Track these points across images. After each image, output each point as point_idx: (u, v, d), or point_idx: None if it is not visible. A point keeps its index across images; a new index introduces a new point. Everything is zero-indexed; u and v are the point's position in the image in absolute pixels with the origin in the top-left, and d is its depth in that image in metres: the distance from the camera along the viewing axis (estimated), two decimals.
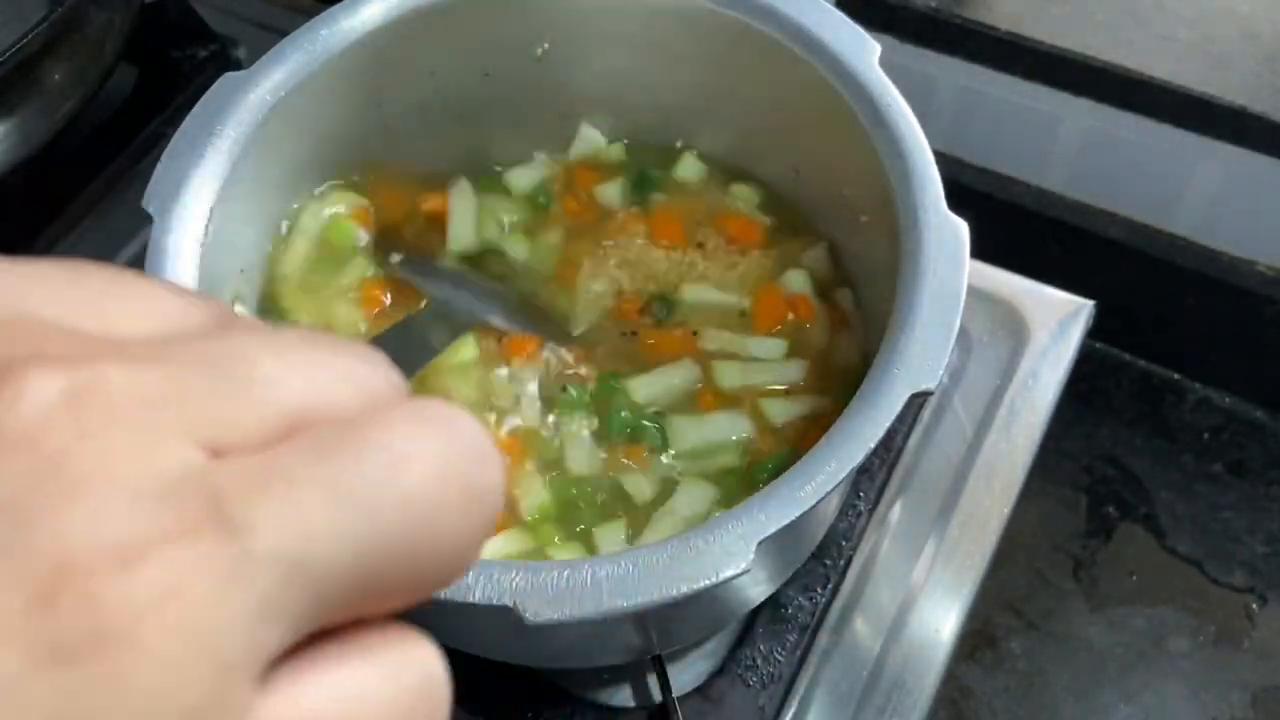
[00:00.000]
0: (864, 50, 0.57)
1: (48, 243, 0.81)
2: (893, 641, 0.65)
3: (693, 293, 0.66)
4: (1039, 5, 0.84)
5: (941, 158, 0.54)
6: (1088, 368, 0.84)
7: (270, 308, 0.63)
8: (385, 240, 0.66)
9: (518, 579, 0.44)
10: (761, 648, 0.63)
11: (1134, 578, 0.82)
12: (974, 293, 0.62)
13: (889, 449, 0.69)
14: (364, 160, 0.67)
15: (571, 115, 0.71)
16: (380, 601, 0.18)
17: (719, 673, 0.63)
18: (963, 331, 0.73)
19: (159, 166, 0.55)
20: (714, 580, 0.44)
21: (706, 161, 0.70)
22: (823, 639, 0.64)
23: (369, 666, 0.18)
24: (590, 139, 0.71)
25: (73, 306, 0.18)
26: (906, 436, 0.71)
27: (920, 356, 0.48)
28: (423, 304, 0.63)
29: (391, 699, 0.18)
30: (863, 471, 0.67)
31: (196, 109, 0.57)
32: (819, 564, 0.65)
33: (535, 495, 0.58)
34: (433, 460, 0.18)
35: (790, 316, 0.64)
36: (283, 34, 0.60)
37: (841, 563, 0.65)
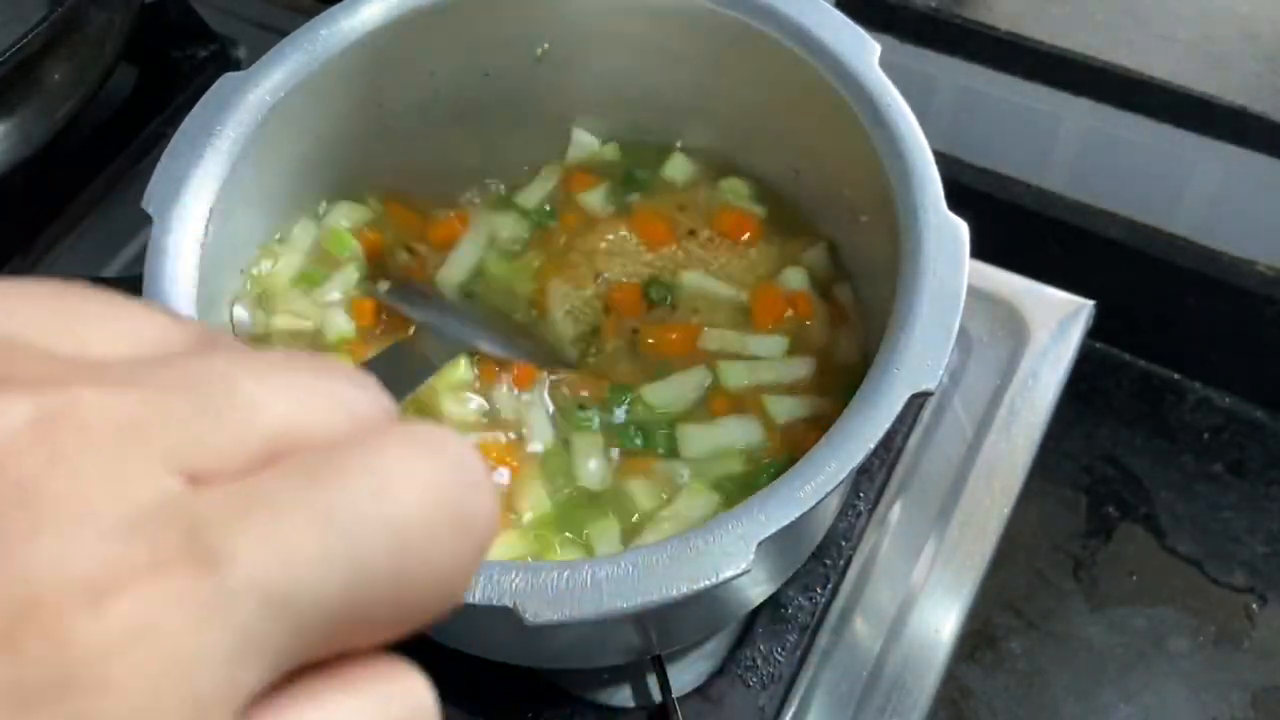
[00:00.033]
0: (864, 50, 0.57)
1: (47, 243, 0.81)
2: (893, 641, 0.65)
3: (692, 279, 0.65)
4: (1039, 5, 0.84)
5: (941, 158, 0.54)
6: (1088, 368, 0.84)
7: (269, 309, 0.63)
8: (374, 269, 0.65)
9: (518, 580, 0.44)
10: (761, 648, 0.63)
11: (1134, 578, 0.82)
12: (974, 293, 0.62)
13: (889, 449, 0.69)
14: (368, 177, 0.67)
15: (571, 115, 0.70)
16: (368, 634, 0.17)
17: (719, 673, 0.63)
18: (963, 331, 0.73)
19: (158, 167, 0.55)
20: (714, 581, 0.44)
21: (706, 160, 0.70)
22: (823, 639, 0.64)
23: (355, 701, 0.17)
24: (585, 144, 0.71)
25: (46, 327, 0.17)
26: (906, 436, 0.71)
27: (920, 357, 0.48)
28: (410, 330, 0.62)
29: None
30: (862, 471, 0.67)
31: (196, 109, 0.57)
32: (819, 564, 0.65)
33: (539, 506, 0.58)
34: (423, 486, 0.17)
35: (789, 313, 0.64)
36: (283, 34, 0.60)
37: (841, 563, 0.65)
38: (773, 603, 0.63)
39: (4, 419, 0.15)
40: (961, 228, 0.52)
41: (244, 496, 0.16)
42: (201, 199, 0.55)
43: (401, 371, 0.53)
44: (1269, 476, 0.86)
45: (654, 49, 0.65)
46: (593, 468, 0.59)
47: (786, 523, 0.45)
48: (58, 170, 0.82)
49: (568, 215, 0.69)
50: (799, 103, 0.61)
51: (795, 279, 0.65)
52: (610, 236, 0.67)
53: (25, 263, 0.81)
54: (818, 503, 0.45)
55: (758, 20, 0.60)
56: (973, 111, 0.88)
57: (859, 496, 0.67)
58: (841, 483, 0.46)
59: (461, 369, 0.60)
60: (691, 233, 0.67)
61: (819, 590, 0.64)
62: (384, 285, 0.64)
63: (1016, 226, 0.90)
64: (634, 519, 0.58)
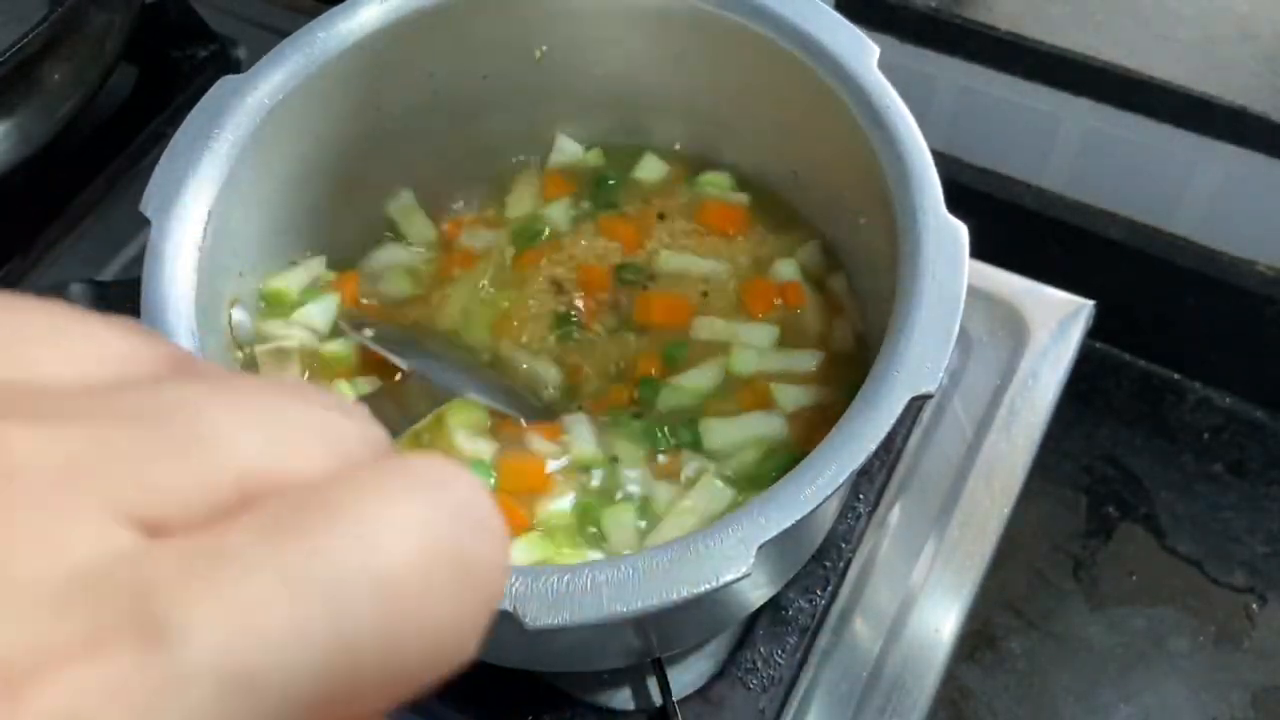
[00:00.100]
0: (863, 52, 0.57)
1: (47, 243, 0.81)
2: (893, 642, 0.65)
3: (669, 258, 0.66)
4: (1039, 5, 0.84)
5: (941, 158, 0.54)
6: (1088, 368, 0.84)
7: (269, 311, 0.63)
8: (353, 318, 0.64)
9: (517, 584, 0.44)
10: (761, 650, 0.63)
11: (1134, 578, 0.82)
12: (974, 293, 0.62)
13: (889, 450, 0.69)
14: (369, 178, 0.67)
15: (570, 116, 0.70)
16: (358, 707, 0.14)
17: (719, 675, 0.63)
18: (963, 332, 0.73)
19: (156, 170, 0.55)
20: (714, 584, 0.44)
21: (704, 161, 0.70)
22: (823, 640, 0.64)
23: None
24: (568, 150, 0.71)
25: None
26: (906, 437, 0.71)
27: (920, 359, 0.48)
28: (397, 377, 0.60)
29: None
30: (862, 473, 0.67)
31: (194, 112, 0.57)
32: (819, 566, 0.65)
33: (561, 518, 0.58)
34: (417, 532, 0.15)
35: (778, 302, 0.64)
36: (283, 34, 0.60)
37: (841, 564, 0.65)
38: (773, 605, 0.63)
39: None
40: (961, 230, 0.52)
41: (205, 552, 0.13)
42: (200, 202, 0.55)
43: (392, 414, 0.52)
44: (1269, 476, 0.86)
45: (652, 51, 0.65)
46: (633, 476, 0.59)
47: (787, 526, 0.45)
48: (58, 170, 0.82)
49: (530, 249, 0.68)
50: (798, 105, 0.61)
51: (786, 270, 0.66)
52: (583, 242, 0.67)
53: (25, 263, 0.81)
54: (818, 506, 0.45)
55: (756, 22, 0.60)
56: (972, 112, 0.88)
57: (859, 498, 0.67)
58: (842, 485, 0.46)
59: (472, 408, 0.60)
60: (661, 216, 0.68)
61: (819, 592, 0.64)
62: (369, 331, 0.62)
63: (1016, 226, 0.90)
64: (650, 511, 0.58)
